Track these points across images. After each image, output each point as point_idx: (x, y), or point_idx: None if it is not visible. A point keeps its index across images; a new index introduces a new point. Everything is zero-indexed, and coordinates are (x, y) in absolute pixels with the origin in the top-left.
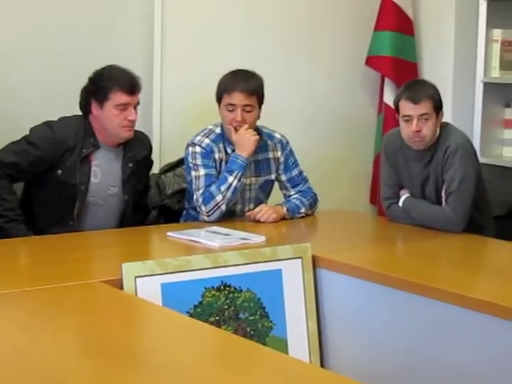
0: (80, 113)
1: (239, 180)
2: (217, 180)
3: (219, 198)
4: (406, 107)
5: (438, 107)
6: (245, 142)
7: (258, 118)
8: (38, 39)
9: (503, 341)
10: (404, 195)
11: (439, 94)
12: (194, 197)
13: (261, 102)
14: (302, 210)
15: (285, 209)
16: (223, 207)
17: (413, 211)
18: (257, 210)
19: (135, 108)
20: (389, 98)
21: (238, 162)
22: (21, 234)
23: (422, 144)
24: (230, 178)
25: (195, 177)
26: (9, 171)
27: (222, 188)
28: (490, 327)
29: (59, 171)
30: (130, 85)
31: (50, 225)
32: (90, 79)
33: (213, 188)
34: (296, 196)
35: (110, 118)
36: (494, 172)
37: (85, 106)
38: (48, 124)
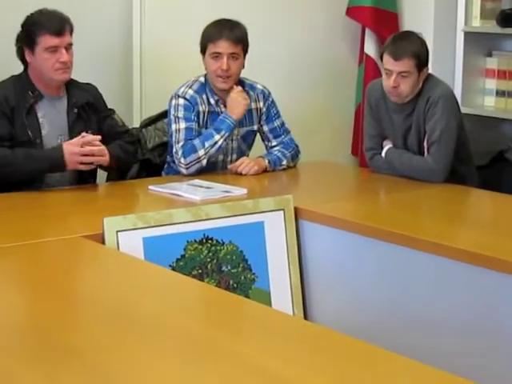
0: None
1: (225, 140)
2: (200, 135)
3: (201, 152)
4: (388, 61)
5: (421, 64)
6: (236, 104)
7: (243, 67)
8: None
9: (486, 290)
10: (387, 146)
11: (426, 50)
12: (174, 149)
13: (246, 51)
14: (284, 162)
15: (266, 161)
16: (203, 162)
17: (395, 162)
18: (238, 162)
19: (67, 50)
20: (369, 49)
21: (227, 123)
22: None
23: (399, 99)
24: (217, 137)
25: (175, 130)
26: None
27: (207, 144)
28: (473, 277)
29: (13, 132)
30: (57, 26)
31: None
32: (22, 26)
33: (196, 142)
34: (278, 148)
35: (42, 62)
36: (476, 122)
37: (20, 54)
38: None
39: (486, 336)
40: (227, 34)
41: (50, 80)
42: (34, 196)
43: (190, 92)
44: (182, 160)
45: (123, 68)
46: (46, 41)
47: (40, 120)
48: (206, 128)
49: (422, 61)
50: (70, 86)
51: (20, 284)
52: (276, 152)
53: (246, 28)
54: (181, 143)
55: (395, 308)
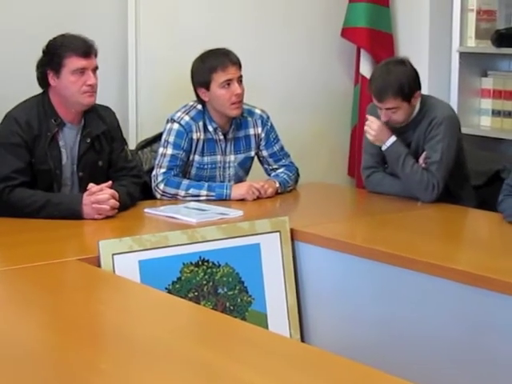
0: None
1: (207, 200)
2: (185, 162)
3: (181, 193)
4: (374, 100)
5: (409, 95)
6: (242, 191)
7: None
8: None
9: (484, 311)
10: (392, 139)
11: (412, 77)
12: (154, 172)
13: None
14: (290, 184)
15: (277, 184)
16: (178, 199)
17: (399, 161)
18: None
19: (93, 72)
20: (365, 70)
21: (222, 192)
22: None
23: (397, 125)
24: (203, 193)
25: (162, 153)
26: (14, 182)
27: (191, 191)
28: (471, 297)
29: (32, 160)
30: (84, 47)
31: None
32: (44, 51)
33: (184, 182)
34: (282, 170)
35: (68, 85)
36: (472, 141)
37: (42, 79)
38: (10, 117)
39: (482, 357)
40: (231, 58)
41: (74, 104)
42: (29, 220)
43: (186, 118)
44: (161, 186)
45: (119, 89)
46: (73, 63)
47: (61, 150)
48: (202, 155)
49: (408, 92)
50: (89, 113)
51: (14, 307)
52: (283, 174)
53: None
54: (163, 169)
55: (392, 329)
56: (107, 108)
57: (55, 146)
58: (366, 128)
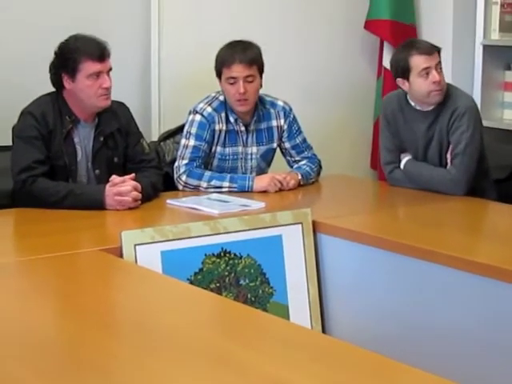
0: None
1: (228, 191)
2: (208, 154)
3: (204, 184)
4: (422, 60)
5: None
6: (265, 183)
7: (261, 86)
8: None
9: (505, 304)
10: (405, 158)
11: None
12: (176, 163)
13: (261, 70)
14: (312, 176)
15: (299, 176)
16: (200, 190)
17: (415, 173)
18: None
19: (108, 74)
20: (388, 62)
21: (244, 184)
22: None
23: (442, 92)
24: (226, 184)
25: (184, 145)
26: (36, 171)
27: (213, 182)
28: (492, 291)
29: (49, 154)
30: (99, 51)
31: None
32: (56, 53)
33: (207, 173)
34: (305, 162)
35: (84, 89)
36: (494, 135)
37: (56, 81)
38: (25, 113)
39: (501, 349)
40: (240, 56)
41: (91, 106)
42: (52, 210)
43: (209, 109)
44: (183, 178)
45: (141, 81)
46: (89, 67)
47: (76, 147)
48: (224, 146)
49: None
50: (102, 111)
51: (37, 297)
52: (305, 167)
53: (259, 47)
54: (185, 161)
55: (414, 322)
56: (121, 104)
57: (70, 142)
58: None
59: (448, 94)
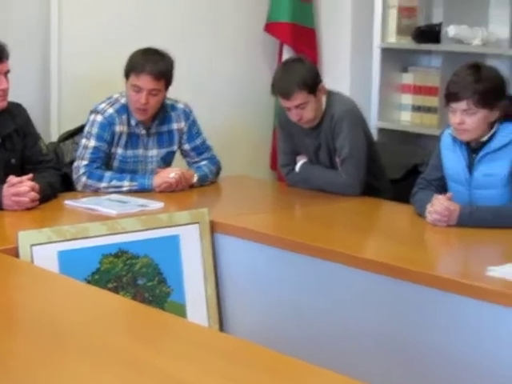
0: None
1: (129, 191)
2: (108, 155)
3: (103, 185)
4: (282, 101)
5: (312, 89)
6: (164, 178)
7: (164, 97)
8: None
9: (398, 301)
10: (300, 161)
11: (314, 69)
12: (75, 163)
13: (168, 84)
14: (210, 177)
15: (195, 179)
16: (100, 191)
17: (309, 177)
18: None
19: (5, 76)
20: None
21: (144, 182)
22: None
23: (309, 125)
24: (126, 183)
25: (84, 145)
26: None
27: (113, 183)
28: (384, 287)
29: None
30: None
31: None
32: None
33: (107, 174)
34: (205, 163)
35: None
36: (392, 136)
37: None
38: None
39: (397, 345)
40: (151, 67)
41: None
42: None
43: (110, 111)
44: (83, 179)
45: (41, 82)
46: None
47: None
48: (126, 148)
49: (312, 84)
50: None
51: None
52: (204, 168)
53: (173, 60)
54: (85, 162)
55: (311, 319)
56: (18, 105)
57: None
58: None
59: (328, 101)
